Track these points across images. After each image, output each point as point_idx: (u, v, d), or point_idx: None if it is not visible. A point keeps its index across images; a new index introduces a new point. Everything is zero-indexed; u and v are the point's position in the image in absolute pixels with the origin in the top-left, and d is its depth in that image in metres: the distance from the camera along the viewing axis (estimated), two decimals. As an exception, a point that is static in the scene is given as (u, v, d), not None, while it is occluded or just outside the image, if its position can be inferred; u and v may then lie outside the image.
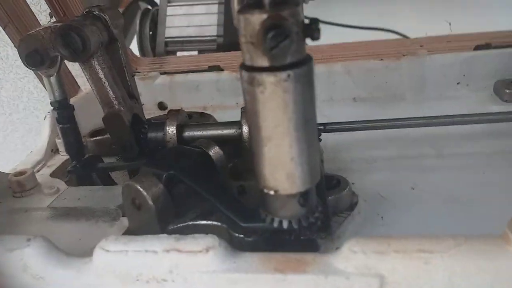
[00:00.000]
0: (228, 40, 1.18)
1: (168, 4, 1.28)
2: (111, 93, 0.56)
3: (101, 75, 0.55)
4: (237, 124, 0.57)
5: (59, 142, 0.67)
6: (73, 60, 0.53)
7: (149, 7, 1.36)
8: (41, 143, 0.68)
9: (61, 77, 0.58)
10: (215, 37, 1.17)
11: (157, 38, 1.22)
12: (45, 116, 0.69)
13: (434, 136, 0.60)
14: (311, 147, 0.32)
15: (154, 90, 0.80)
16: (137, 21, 1.30)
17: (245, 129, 0.55)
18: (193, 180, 0.43)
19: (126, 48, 0.60)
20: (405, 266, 0.32)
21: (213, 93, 0.78)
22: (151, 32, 1.30)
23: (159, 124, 0.59)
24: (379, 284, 0.33)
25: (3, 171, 0.59)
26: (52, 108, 0.59)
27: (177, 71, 0.81)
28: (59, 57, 0.55)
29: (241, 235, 0.41)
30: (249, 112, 0.32)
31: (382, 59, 0.72)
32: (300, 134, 0.31)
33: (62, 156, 0.68)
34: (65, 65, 0.86)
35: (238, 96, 0.77)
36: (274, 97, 0.30)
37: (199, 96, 0.78)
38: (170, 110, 0.58)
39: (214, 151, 0.50)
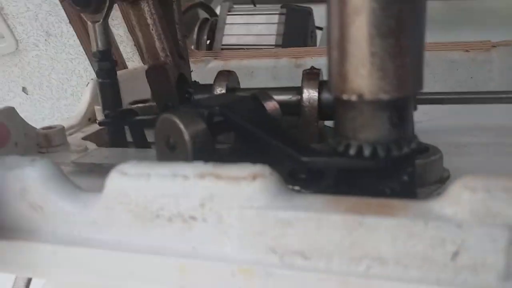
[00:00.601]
0: (286, 51, 1.13)
1: (228, 13, 1.26)
2: (158, 43, 0.49)
3: (150, 21, 0.49)
4: (296, 89, 0.49)
5: (98, 110, 0.61)
6: (122, -2, 0.47)
7: (208, 17, 1.35)
8: (78, 110, 0.62)
9: (108, 27, 0.53)
10: (273, 47, 1.11)
11: (214, 45, 1.18)
12: (88, 82, 0.64)
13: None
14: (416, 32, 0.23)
15: (206, 75, 0.73)
16: (196, 29, 1.28)
17: (306, 93, 0.47)
18: (241, 119, 0.34)
19: (181, 7, 0.55)
20: (555, 211, 0.21)
21: (268, 80, 0.70)
22: (208, 41, 1.27)
23: (207, 86, 0.51)
24: (509, 239, 0.22)
25: (32, 126, 0.54)
26: (95, 59, 0.53)
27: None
28: (108, 2, 0.51)
29: (297, 187, 0.31)
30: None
31: (467, 50, 0.63)
32: (405, 6, 0.22)
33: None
34: (118, 48, 0.83)
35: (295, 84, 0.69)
36: None
37: (252, 83, 0.71)
38: (221, 71, 0.51)
39: (270, 104, 0.41)
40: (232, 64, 0.73)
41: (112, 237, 0.29)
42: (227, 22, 1.21)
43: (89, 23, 0.52)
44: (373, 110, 0.24)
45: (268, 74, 0.71)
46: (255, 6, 2.07)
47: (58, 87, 0.90)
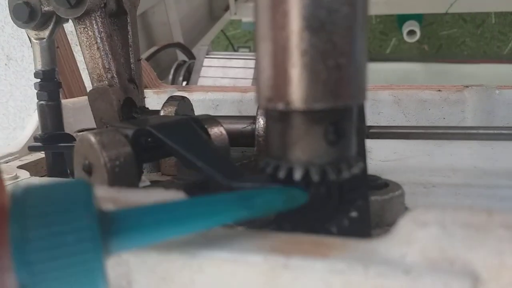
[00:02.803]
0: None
1: (206, 56, 1.24)
2: (104, 63, 0.45)
3: (97, 39, 0.45)
4: (252, 118, 0.44)
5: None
6: (66, 13, 0.44)
7: (186, 59, 1.33)
8: (22, 137, 0.57)
9: (54, 45, 0.49)
10: (249, 88, 1.09)
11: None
12: (36, 109, 0.59)
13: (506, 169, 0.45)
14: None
15: (167, 106, 0.69)
16: (172, 70, 1.26)
17: (260, 122, 0.43)
18: (170, 137, 0.29)
19: (137, 30, 0.51)
20: (527, 254, 0.16)
21: (233, 114, 0.66)
22: (184, 82, 1.25)
23: (156, 112, 0.47)
24: (471, 291, 0.17)
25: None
26: (36, 79, 0.48)
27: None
28: (54, 18, 0.47)
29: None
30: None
31: (439, 90, 0.60)
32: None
33: (42, 155, 0.56)
34: (80, 75, 0.79)
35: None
36: None
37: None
38: (171, 96, 0.47)
39: (215, 129, 0.37)
40: (196, 96, 0.69)
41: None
42: (204, 64, 1.19)
43: (32, 40, 0.48)
44: (304, 123, 0.19)
45: (234, 107, 0.67)
46: (236, 51, 2.09)
47: (15, 116, 0.84)
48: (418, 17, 1.77)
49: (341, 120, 0.19)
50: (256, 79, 0.21)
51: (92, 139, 0.29)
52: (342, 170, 0.20)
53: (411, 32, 1.75)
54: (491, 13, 1.85)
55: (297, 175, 0.20)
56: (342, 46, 0.18)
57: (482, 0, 1.51)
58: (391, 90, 0.61)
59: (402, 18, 1.79)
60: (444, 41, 1.93)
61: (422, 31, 1.81)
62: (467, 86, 0.59)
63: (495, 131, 0.39)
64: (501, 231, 0.17)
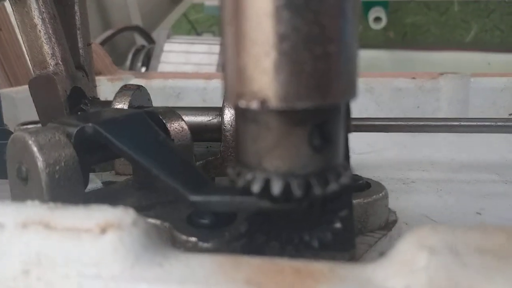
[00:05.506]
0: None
1: (167, 40, 1.18)
2: (46, 48, 0.40)
3: (38, 20, 0.39)
4: (217, 110, 0.40)
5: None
6: (-1, -11, 0.38)
7: (145, 44, 1.26)
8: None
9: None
10: (213, 74, 1.04)
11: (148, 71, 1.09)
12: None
13: (492, 163, 0.43)
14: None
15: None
16: (130, 56, 1.19)
17: (227, 114, 0.39)
18: (119, 136, 0.25)
19: (86, 10, 0.45)
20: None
21: (196, 103, 0.62)
22: (144, 68, 1.18)
23: (107, 103, 0.42)
24: (492, 334, 0.14)
25: None
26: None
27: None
28: (-13, -4, 0.41)
29: (193, 238, 0.22)
30: None
31: (414, 78, 0.58)
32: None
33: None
34: (27, 62, 0.72)
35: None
36: None
37: (178, 105, 0.62)
38: (125, 85, 0.42)
39: (176, 125, 0.33)
40: (155, 83, 0.64)
41: None
42: (164, 49, 1.13)
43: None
44: (284, 125, 0.16)
45: (197, 96, 0.62)
46: (199, 35, 2.02)
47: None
48: (384, 4, 1.76)
49: (328, 121, 0.16)
50: (223, 69, 0.17)
51: (27, 139, 0.24)
52: (330, 181, 0.16)
53: (377, 19, 1.74)
54: (454, 1, 1.87)
55: (276, 189, 0.16)
56: (331, 30, 0.14)
57: (446, -13, 1.51)
58: (363, 78, 0.58)
59: (368, 5, 1.78)
60: (409, 28, 1.93)
61: (388, 18, 1.80)
62: (442, 74, 0.57)
63: (478, 123, 0.37)
64: (525, 258, 0.14)
